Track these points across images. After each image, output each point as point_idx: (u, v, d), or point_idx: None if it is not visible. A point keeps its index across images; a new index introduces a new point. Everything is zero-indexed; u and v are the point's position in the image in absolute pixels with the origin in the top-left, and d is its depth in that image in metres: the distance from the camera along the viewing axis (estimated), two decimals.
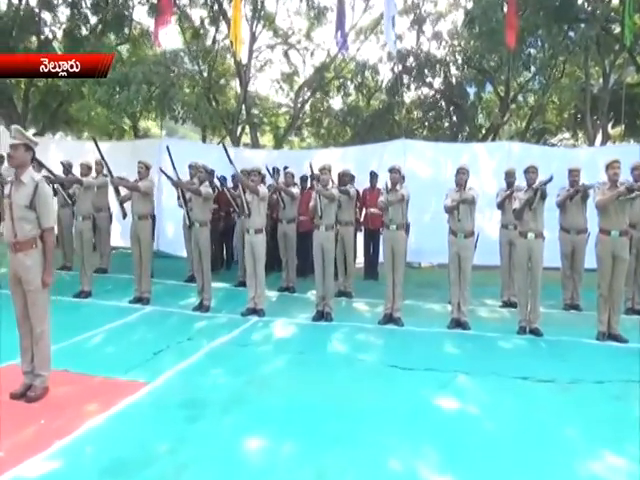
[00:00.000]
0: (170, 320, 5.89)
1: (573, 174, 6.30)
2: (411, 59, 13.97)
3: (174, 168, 6.32)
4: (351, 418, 3.36)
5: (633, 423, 3.27)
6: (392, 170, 5.83)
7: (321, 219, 5.91)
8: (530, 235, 5.23)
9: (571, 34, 10.43)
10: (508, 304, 6.47)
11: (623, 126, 13.21)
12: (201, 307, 6.31)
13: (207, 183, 6.38)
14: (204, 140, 15.27)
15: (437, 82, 15.06)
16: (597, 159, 6.89)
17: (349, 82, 16.46)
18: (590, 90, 12.03)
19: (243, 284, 7.07)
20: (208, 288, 6.35)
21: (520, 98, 16.19)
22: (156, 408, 3.49)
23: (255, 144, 12.58)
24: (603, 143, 11.39)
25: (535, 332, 5.29)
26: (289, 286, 7.49)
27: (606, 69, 11.71)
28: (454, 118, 15.19)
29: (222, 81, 13.64)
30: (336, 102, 16.92)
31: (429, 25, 15.26)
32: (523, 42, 10.61)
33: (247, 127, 13.27)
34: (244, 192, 5.94)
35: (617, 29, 10.26)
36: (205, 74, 13.10)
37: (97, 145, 6.24)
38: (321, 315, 5.96)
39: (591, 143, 11.65)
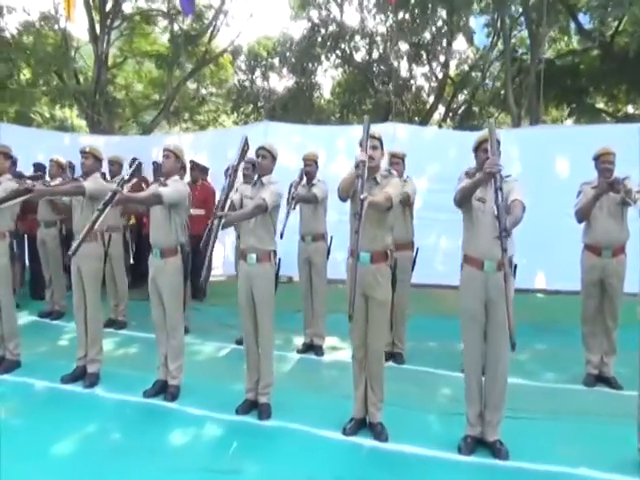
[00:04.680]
0: None
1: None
2: (323, 31, 11.67)
3: None
4: None
5: None
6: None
7: None
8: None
9: None
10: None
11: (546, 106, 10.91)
12: None
13: None
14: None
15: (359, 56, 12.89)
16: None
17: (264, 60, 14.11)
18: (514, 57, 9.83)
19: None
20: None
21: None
22: None
23: (108, 129, 10.07)
24: (533, 124, 9.16)
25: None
26: (54, 310, 5.44)
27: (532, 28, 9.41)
28: (380, 98, 12.95)
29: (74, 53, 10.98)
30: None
31: None
32: None
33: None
34: None
35: None
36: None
37: None
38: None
39: (516, 125, 9.50)
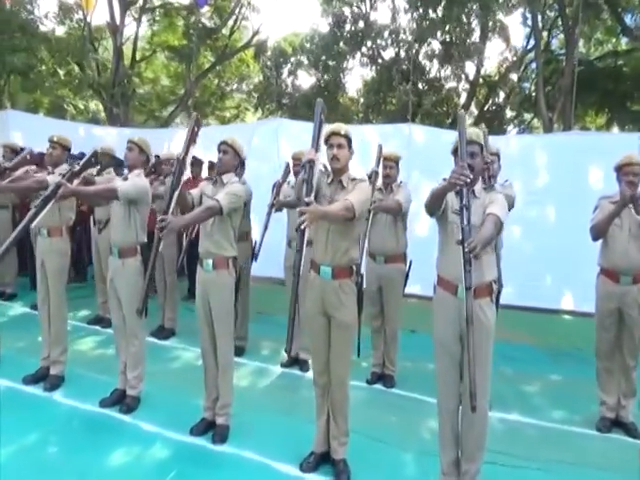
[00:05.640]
0: None
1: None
2: (348, 27, 11.27)
3: None
4: None
5: None
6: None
7: None
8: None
9: None
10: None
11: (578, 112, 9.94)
12: None
13: None
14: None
15: (387, 55, 12.45)
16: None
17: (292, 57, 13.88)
18: (549, 58, 9.11)
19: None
20: None
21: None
22: None
23: (124, 121, 10.09)
24: (565, 129, 8.43)
25: None
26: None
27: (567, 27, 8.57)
28: (399, 97, 12.42)
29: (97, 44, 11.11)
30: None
31: None
32: None
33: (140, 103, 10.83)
34: None
35: None
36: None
37: None
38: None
39: (547, 130, 8.78)
